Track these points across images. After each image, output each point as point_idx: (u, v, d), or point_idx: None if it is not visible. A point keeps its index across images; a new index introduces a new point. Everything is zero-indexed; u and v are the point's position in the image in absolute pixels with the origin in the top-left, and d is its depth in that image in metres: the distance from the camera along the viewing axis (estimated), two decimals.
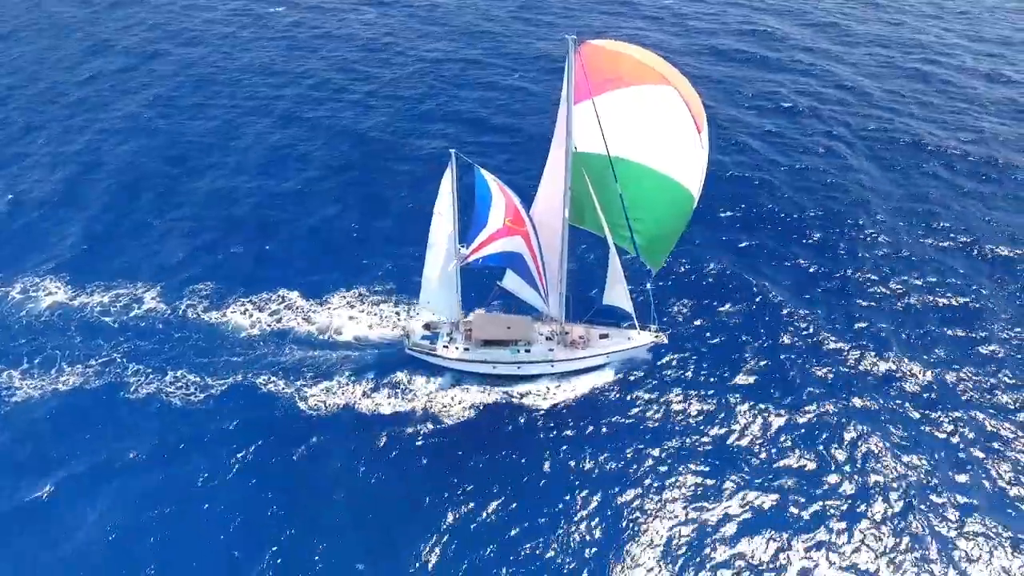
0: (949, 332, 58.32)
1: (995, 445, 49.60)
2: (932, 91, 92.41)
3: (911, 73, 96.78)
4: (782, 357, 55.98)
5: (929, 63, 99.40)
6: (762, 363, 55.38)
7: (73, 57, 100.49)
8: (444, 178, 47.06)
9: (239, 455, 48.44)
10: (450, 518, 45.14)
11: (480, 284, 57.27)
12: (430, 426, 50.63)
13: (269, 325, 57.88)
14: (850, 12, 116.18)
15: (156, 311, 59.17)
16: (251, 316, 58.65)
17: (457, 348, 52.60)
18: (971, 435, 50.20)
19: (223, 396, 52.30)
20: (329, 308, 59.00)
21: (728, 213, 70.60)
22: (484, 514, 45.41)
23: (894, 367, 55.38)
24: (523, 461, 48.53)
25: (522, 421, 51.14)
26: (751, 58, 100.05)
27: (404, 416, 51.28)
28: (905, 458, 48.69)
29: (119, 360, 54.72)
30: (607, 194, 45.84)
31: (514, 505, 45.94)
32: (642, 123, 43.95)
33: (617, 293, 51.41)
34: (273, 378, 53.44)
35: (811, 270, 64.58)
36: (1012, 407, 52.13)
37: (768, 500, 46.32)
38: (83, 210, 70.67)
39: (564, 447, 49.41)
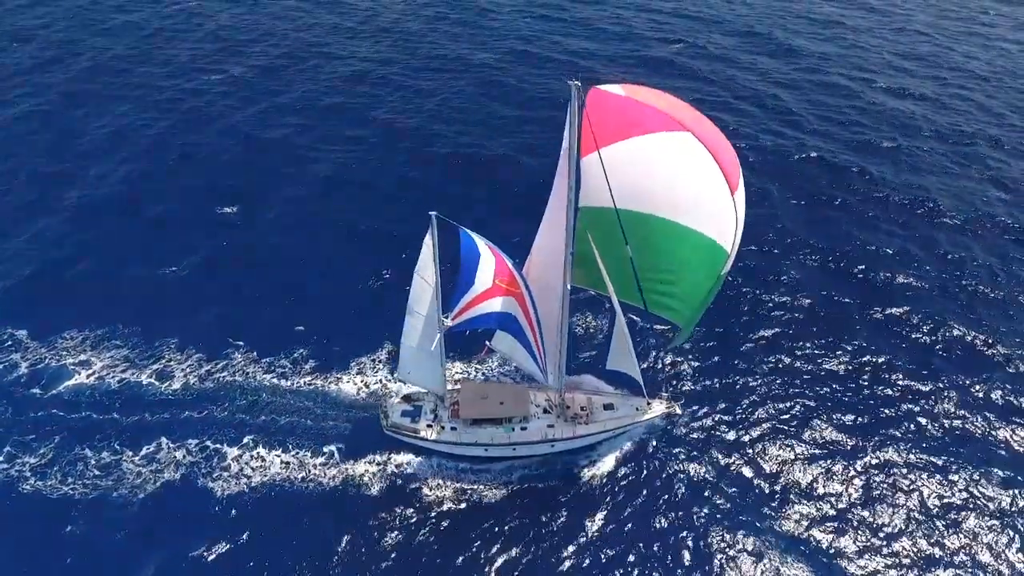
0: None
1: None
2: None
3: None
4: (808, 422, 50.17)
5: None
6: (794, 435, 49.26)
7: None
8: (425, 243, 40.29)
9: None
10: None
11: (467, 344, 50.64)
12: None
13: None
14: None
15: None
16: None
17: (443, 427, 45.84)
18: None
19: None
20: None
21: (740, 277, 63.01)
22: None
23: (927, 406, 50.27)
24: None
25: (500, 516, 44.22)
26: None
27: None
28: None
29: None
30: (619, 252, 39.18)
31: None
32: (662, 173, 37.23)
33: (623, 358, 44.94)
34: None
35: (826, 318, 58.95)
36: None
37: None
38: None
39: (566, 545, 43.14)
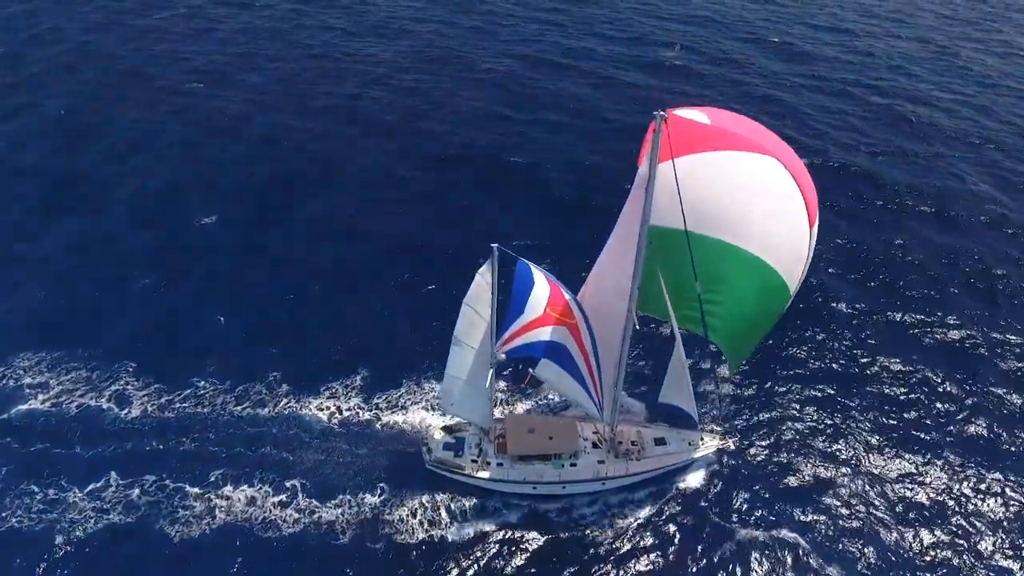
0: None
1: None
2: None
3: None
4: (862, 449, 48.82)
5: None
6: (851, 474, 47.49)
7: None
8: (481, 273, 37.74)
9: None
10: None
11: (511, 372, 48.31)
12: None
13: None
14: None
15: None
16: None
17: (488, 463, 43.42)
18: None
19: None
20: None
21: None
22: None
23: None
24: None
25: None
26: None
27: None
28: None
29: None
30: (681, 275, 36.77)
31: None
32: (740, 193, 34.66)
33: (678, 391, 42.92)
34: None
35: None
36: None
37: None
38: None
39: None
